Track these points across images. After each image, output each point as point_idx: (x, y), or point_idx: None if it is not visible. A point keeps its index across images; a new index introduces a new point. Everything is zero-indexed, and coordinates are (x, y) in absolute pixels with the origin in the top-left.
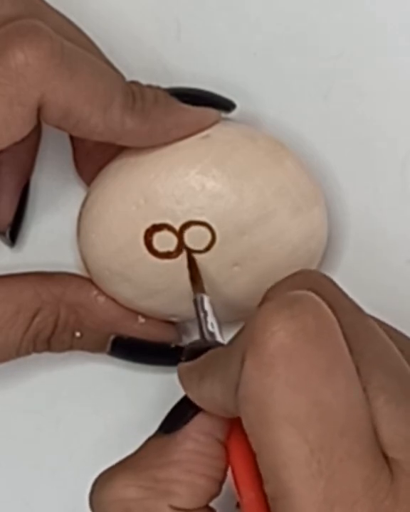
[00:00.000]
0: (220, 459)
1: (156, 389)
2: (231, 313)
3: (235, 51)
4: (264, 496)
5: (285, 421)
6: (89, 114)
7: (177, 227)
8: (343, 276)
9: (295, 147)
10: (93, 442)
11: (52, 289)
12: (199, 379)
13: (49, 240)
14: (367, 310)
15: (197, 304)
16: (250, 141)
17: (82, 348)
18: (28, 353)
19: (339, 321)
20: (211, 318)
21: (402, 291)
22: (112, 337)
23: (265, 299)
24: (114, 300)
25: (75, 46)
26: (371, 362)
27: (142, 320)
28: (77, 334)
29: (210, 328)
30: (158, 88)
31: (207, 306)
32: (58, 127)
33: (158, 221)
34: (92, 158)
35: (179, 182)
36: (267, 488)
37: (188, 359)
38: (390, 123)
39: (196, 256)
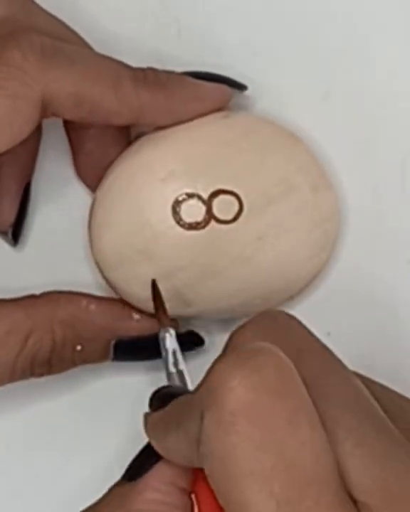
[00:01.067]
0: (180, 508)
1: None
2: (245, 300)
3: (235, 50)
4: None
5: (250, 477)
6: (100, 95)
7: (206, 196)
8: (342, 276)
9: None
10: (93, 443)
11: (42, 309)
12: (164, 431)
13: (51, 240)
14: (367, 310)
15: (161, 342)
16: (268, 124)
17: (86, 361)
18: (24, 376)
19: (305, 363)
20: (172, 358)
21: (402, 291)
22: (113, 342)
23: (228, 344)
24: (110, 304)
25: (66, 44)
26: (339, 405)
27: (137, 317)
28: (78, 348)
29: (172, 368)
30: (170, 72)
31: (169, 344)
32: (76, 118)
33: (187, 190)
34: (93, 161)
35: (207, 152)
36: None
37: (154, 407)
38: (390, 123)
39: (223, 227)
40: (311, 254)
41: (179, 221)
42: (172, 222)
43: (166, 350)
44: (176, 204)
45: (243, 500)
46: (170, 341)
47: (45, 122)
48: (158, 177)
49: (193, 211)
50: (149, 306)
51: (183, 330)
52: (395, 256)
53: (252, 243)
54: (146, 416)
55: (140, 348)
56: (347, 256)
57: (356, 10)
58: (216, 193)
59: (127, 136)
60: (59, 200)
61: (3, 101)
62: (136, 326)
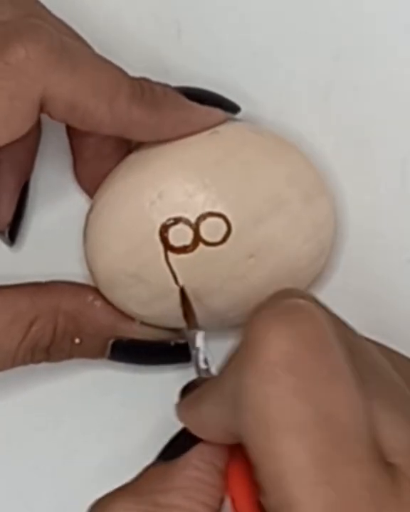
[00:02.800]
0: (218, 488)
1: (155, 388)
2: (242, 315)
3: (235, 51)
4: None
5: (286, 429)
6: (95, 106)
7: (193, 219)
8: (343, 276)
9: None
10: (93, 442)
11: (47, 298)
12: (198, 405)
13: (48, 240)
14: (368, 310)
15: (190, 340)
16: (257, 135)
17: (82, 355)
18: (24, 363)
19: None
20: (203, 355)
21: (402, 291)
22: (111, 341)
23: (252, 312)
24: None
25: (74, 42)
26: (364, 372)
27: (139, 321)
28: (77, 341)
29: (203, 365)
30: (167, 85)
31: (199, 343)
32: (66, 122)
33: (174, 215)
34: (92, 167)
35: (192, 175)
36: (268, 500)
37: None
38: (390, 123)
39: (212, 249)
40: (307, 263)
41: (167, 245)
42: (160, 247)
43: (197, 349)
44: (164, 229)
45: (277, 451)
46: (200, 340)
47: (46, 123)
48: (146, 202)
49: (180, 235)
50: (148, 322)
51: (181, 341)
52: (395, 256)
53: (243, 262)
54: (177, 403)
55: (137, 351)
56: (347, 256)
57: (356, 10)
58: (203, 216)
59: (127, 144)
60: (57, 200)
61: (0, 101)
62: (137, 329)
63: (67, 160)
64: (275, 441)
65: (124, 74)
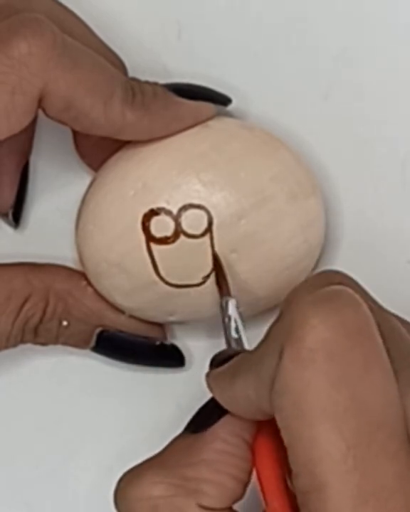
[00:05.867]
0: (247, 460)
1: (154, 388)
2: None
3: (235, 51)
4: (289, 505)
5: (322, 415)
6: (90, 106)
7: (174, 210)
8: None
9: (294, 147)
10: (93, 442)
11: (42, 276)
12: (231, 379)
13: (51, 222)
14: None
15: (222, 309)
16: (247, 131)
17: (68, 340)
18: (16, 342)
19: None
20: (235, 323)
21: (402, 292)
22: (97, 330)
23: (291, 296)
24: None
25: (75, 41)
26: (398, 360)
27: (128, 313)
28: (65, 323)
29: (234, 333)
30: (156, 84)
31: (232, 311)
32: (59, 120)
33: (155, 205)
34: (93, 140)
35: (176, 166)
36: (298, 482)
37: (216, 365)
38: (390, 123)
39: (193, 241)
40: (293, 262)
41: (148, 236)
42: (142, 237)
43: (229, 316)
44: (146, 219)
45: (312, 436)
46: (232, 308)
47: None
48: (129, 192)
49: (162, 226)
50: (135, 314)
51: (168, 342)
52: (395, 256)
53: (225, 256)
54: (209, 373)
55: (121, 345)
56: (346, 256)
57: (356, 10)
58: (184, 208)
59: None
60: (59, 182)
61: (1, 96)
62: (124, 321)
63: (67, 138)
64: (311, 427)
65: (119, 74)
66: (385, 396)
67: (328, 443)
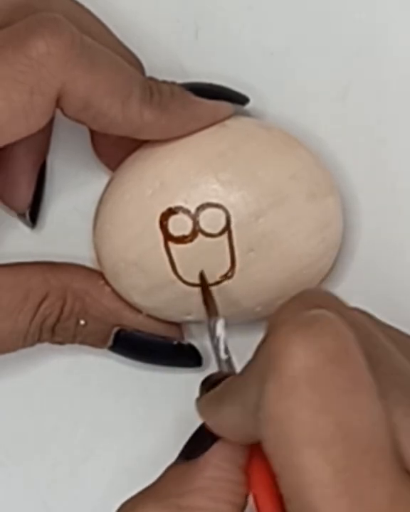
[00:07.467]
0: (241, 485)
1: (171, 388)
2: (245, 310)
3: (252, 50)
4: None
5: (308, 443)
6: (108, 106)
7: (192, 209)
8: (359, 275)
9: (311, 146)
10: (111, 442)
11: (59, 275)
12: (218, 405)
13: (68, 222)
14: (381, 310)
15: (210, 329)
16: (264, 130)
17: (85, 340)
18: (33, 342)
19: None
20: (224, 344)
21: None
22: (115, 329)
23: (273, 321)
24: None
25: (93, 41)
26: (386, 377)
27: (146, 313)
28: (82, 322)
29: (223, 355)
30: (173, 83)
31: (219, 331)
32: (77, 120)
33: (173, 204)
34: (111, 140)
35: (194, 166)
36: (290, 508)
37: (205, 390)
38: (406, 122)
39: (211, 240)
40: (310, 262)
41: (166, 235)
42: (160, 236)
43: (218, 338)
44: (163, 218)
45: (299, 465)
46: (220, 328)
47: None
48: (147, 191)
49: (180, 225)
50: (152, 314)
51: (185, 342)
52: None
53: (243, 255)
54: (198, 399)
55: (138, 344)
56: (364, 255)
57: (374, 9)
58: (202, 207)
59: None
60: (76, 182)
61: (20, 96)
62: (142, 320)
63: (84, 141)
64: (297, 455)
65: (137, 74)
66: (370, 418)
67: (316, 469)
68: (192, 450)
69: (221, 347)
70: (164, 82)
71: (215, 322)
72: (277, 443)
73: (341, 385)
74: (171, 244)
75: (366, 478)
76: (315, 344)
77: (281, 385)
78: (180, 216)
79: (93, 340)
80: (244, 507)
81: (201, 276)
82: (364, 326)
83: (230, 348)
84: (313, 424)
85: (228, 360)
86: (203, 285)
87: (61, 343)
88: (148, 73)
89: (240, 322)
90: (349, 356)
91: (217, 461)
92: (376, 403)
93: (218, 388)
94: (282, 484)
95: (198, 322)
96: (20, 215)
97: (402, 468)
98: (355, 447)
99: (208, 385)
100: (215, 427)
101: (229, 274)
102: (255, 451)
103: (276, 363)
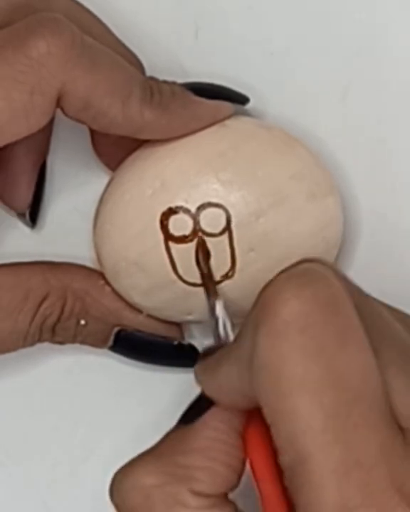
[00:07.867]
0: (238, 448)
1: (172, 387)
2: (245, 309)
3: (252, 50)
4: (282, 490)
5: (300, 388)
6: (108, 106)
7: (193, 209)
8: (360, 276)
9: (312, 146)
10: (111, 441)
11: (60, 275)
12: (215, 368)
13: (69, 222)
14: None
15: (211, 309)
16: (265, 130)
17: (85, 340)
18: (34, 342)
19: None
20: (222, 321)
21: None
22: (115, 329)
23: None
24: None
25: (93, 40)
26: (378, 338)
27: (146, 313)
28: (82, 322)
29: (222, 330)
30: (174, 83)
31: (219, 311)
32: (77, 119)
33: (174, 204)
34: (111, 139)
35: (195, 165)
36: (284, 460)
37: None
38: (406, 122)
39: (211, 239)
40: None
41: (167, 234)
42: (160, 235)
43: (217, 317)
44: (164, 217)
45: (291, 410)
46: (219, 309)
47: None
48: (147, 191)
49: (180, 225)
50: (152, 314)
51: (185, 342)
52: None
53: (243, 255)
54: (196, 366)
55: (139, 344)
56: (364, 256)
57: (374, 9)
58: (203, 206)
59: None
60: (76, 182)
61: (20, 96)
62: (142, 320)
63: (85, 138)
64: (289, 402)
65: (138, 73)
66: (362, 367)
67: (307, 415)
68: (191, 415)
69: (221, 325)
70: (165, 81)
71: (214, 303)
72: (269, 390)
73: (333, 332)
74: (171, 244)
75: (357, 427)
76: (307, 291)
77: (273, 330)
78: (180, 216)
79: (93, 340)
80: (241, 472)
81: (197, 260)
82: (360, 293)
83: (229, 329)
84: (305, 369)
85: (227, 340)
86: (204, 267)
87: (61, 343)
88: (148, 73)
89: (240, 322)
90: (340, 305)
91: (215, 423)
92: (367, 353)
93: (214, 355)
94: (275, 434)
95: (198, 322)
96: (20, 215)
97: (393, 421)
98: (345, 395)
99: (206, 356)
100: (213, 393)
101: (229, 273)
102: (252, 419)
103: (269, 309)
